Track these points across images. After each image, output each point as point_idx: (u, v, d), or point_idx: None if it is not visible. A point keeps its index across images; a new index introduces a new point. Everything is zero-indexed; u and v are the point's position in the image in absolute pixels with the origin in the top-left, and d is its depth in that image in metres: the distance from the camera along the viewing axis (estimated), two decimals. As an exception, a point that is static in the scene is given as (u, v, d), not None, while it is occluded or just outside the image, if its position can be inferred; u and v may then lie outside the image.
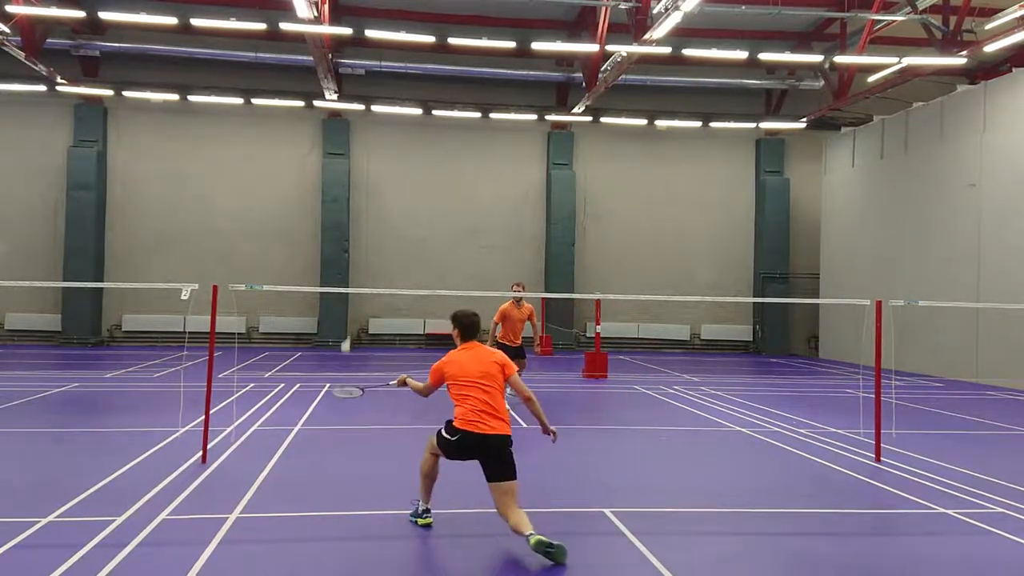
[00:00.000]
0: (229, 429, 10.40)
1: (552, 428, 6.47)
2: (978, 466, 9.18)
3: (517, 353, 12.96)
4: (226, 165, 26.46)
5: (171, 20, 19.93)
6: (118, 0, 21.28)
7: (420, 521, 6.52)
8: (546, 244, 27.46)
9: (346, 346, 9.57)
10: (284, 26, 19.85)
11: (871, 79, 22.53)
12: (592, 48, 21.17)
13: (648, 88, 26.65)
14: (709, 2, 17.62)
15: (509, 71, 25.75)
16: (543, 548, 5.64)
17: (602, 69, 21.82)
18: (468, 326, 6.49)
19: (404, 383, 6.82)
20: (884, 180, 23.56)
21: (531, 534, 5.71)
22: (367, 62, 25.05)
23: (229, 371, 16.52)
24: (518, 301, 12.63)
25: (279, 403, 13.18)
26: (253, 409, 12.33)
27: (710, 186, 28.51)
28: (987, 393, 17.13)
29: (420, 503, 6.59)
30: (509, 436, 6.15)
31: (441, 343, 26.72)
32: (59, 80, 22.88)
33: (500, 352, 6.55)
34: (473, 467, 6.99)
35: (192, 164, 26.26)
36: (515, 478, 6.09)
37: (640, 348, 27.60)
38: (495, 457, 6.07)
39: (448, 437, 6.21)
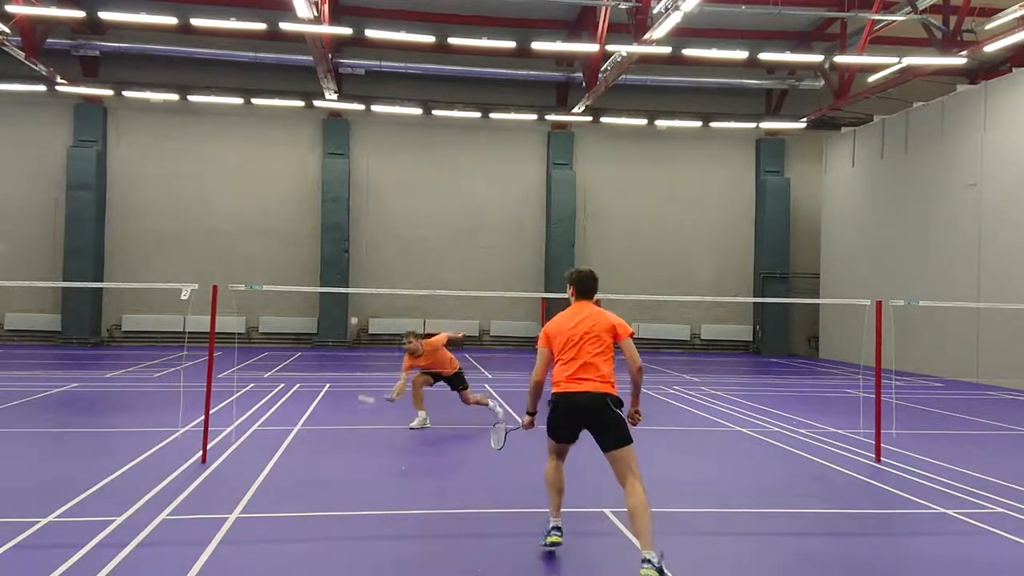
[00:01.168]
0: (229, 429, 10.39)
1: (639, 411, 6.01)
2: (978, 466, 9.18)
3: (455, 380, 11.44)
4: (226, 165, 26.46)
5: (171, 20, 19.92)
6: (118, 0, 21.29)
7: (548, 539, 5.85)
8: (546, 244, 27.45)
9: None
10: (284, 26, 19.84)
11: (871, 79, 22.53)
12: (592, 48, 21.16)
13: (648, 88, 26.64)
14: (709, 2, 17.63)
15: (509, 71, 25.75)
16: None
17: (602, 69, 21.82)
18: (580, 280, 6.01)
19: (531, 419, 6.13)
20: (884, 180, 23.56)
21: (646, 559, 5.03)
22: (367, 62, 25.06)
23: (229, 371, 16.52)
24: (413, 353, 11.08)
25: (279, 403, 13.18)
26: (253, 409, 12.33)
27: (710, 186, 28.51)
28: (987, 393, 17.13)
29: (550, 519, 5.94)
30: (607, 395, 5.58)
31: (441, 343, 26.70)
32: (59, 80, 22.87)
33: (614, 315, 5.95)
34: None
35: (192, 164, 26.26)
36: (624, 444, 5.53)
37: (640, 348, 27.31)
38: (593, 420, 5.58)
39: (549, 407, 5.76)
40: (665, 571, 5.08)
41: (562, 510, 6.03)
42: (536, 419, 6.12)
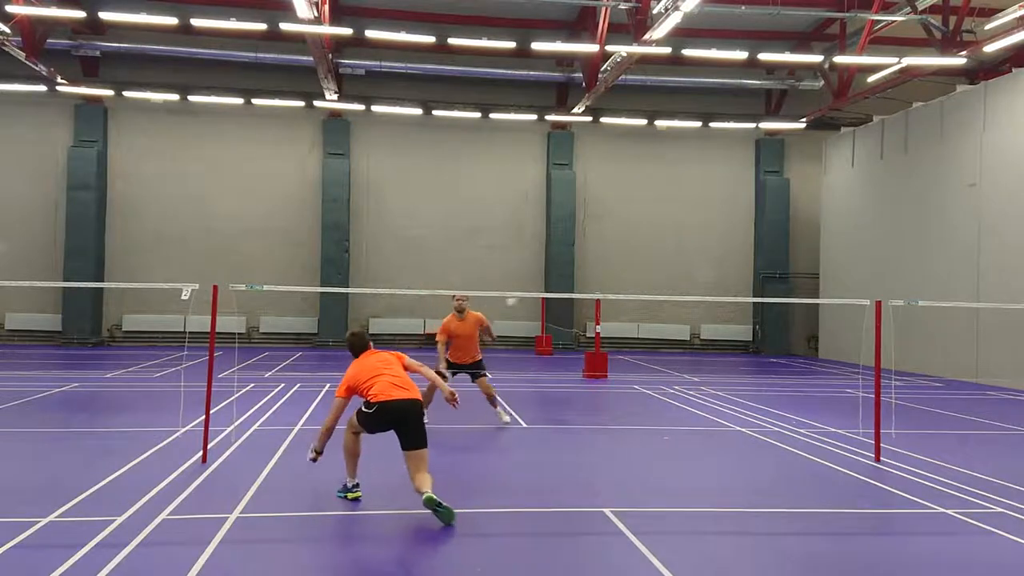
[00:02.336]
0: (229, 429, 10.39)
1: (448, 392, 7.34)
2: (978, 466, 9.18)
3: (476, 368, 11.76)
4: (226, 165, 26.46)
5: (171, 20, 19.93)
6: (118, 0, 21.29)
7: (350, 495, 7.15)
8: (546, 244, 27.45)
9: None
10: (284, 26, 19.85)
11: (871, 79, 22.52)
12: (592, 48, 21.16)
13: (648, 88, 26.64)
14: (709, 2, 17.61)
15: (509, 71, 25.76)
16: (432, 506, 6.38)
17: (602, 69, 21.82)
18: (353, 344, 7.41)
19: (323, 441, 7.40)
20: (884, 180, 23.56)
21: (424, 492, 6.46)
22: (367, 62, 25.07)
23: (229, 371, 16.52)
24: (460, 312, 11.35)
25: (279, 403, 13.18)
26: (253, 409, 12.33)
27: (710, 186, 28.51)
28: (987, 393, 17.13)
29: (348, 480, 7.23)
30: (419, 400, 6.94)
31: (441, 343, 26.71)
32: (59, 80, 22.88)
33: (391, 352, 7.41)
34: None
35: (192, 164, 26.27)
36: (426, 446, 6.81)
37: (640, 348, 27.59)
38: (410, 423, 6.80)
39: (367, 411, 6.91)
40: (440, 500, 6.38)
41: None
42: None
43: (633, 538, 6.27)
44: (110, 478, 7.77)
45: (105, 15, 20.20)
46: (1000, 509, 7.34)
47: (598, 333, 19.83)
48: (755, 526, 6.89)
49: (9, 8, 18.81)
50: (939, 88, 22.55)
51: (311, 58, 20.89)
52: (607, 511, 6.99)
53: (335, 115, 26.64)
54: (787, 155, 28.65)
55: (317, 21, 17.64)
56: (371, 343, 7.55)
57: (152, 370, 18.07)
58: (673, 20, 16.56)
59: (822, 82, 25.55)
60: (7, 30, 18.39)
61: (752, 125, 27.47)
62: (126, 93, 24.63)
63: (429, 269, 26.80)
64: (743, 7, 19.58)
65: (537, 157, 27.90)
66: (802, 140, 28.42)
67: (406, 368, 7.34)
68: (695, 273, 27.92)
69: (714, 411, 13.38)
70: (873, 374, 9.85)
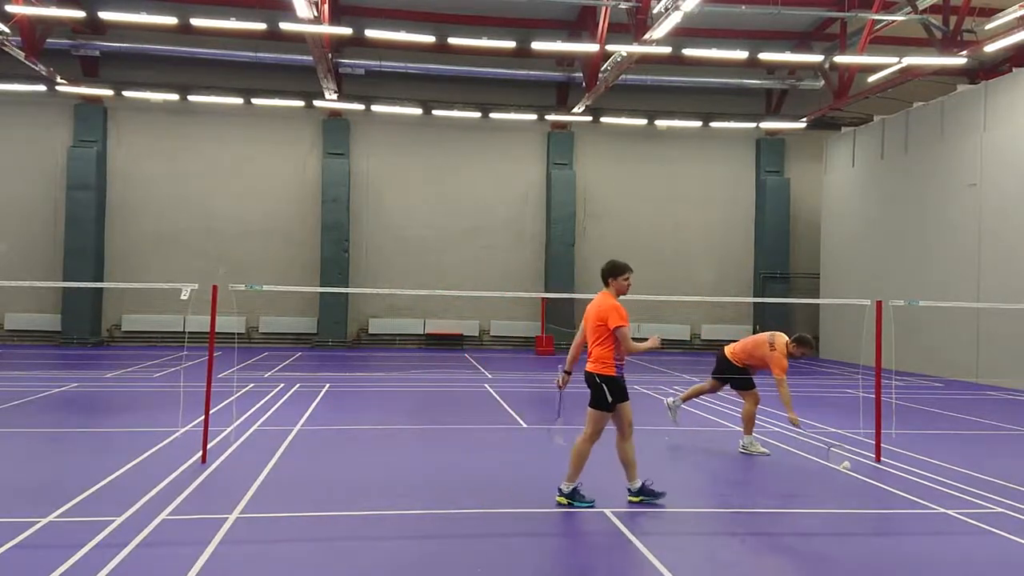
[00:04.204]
0: (229, 429, 10.39)
1: (650, 342, 7.51)
2: (978, 466, 9.18)
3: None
4: (226, 165, 26.45)
5: (171, 20, 19.92)
6: (118, 0, 21.29)
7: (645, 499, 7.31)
8: (546, 244, 27.45)
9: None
10: (284, 26, 19.83)
11: (871, 79, 22.52)
12: (592, 48, 21.17)
13: (648, 88, 26.64)
14: (709, 2, 17.61)
15: (509, 71, 25.74)
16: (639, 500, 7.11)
17: (602, 69, 21.83)
18: (601, 272, 7.39)
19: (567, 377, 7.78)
20: (884, 180, 23.56)
21: (629, 487, 7.22)
22: (367, 62, 25.06)
23: (229, 371, 16.52)
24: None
25: (279, 403, 13.18)
26: (253, 409, 12.32)
27: (710, 186, 28.51)
28: (987, 393, 17.13)
29: (632, 485, 7.39)
30: (594, 374, 7.24)
31: (441, 343, 26.74)
32: (59, 80, 22.87)
33: (610, 304, 7.19)
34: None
35: (192, 164, 26.26)
36: (596, 408, 7.31)
37: (640, 348, 27.53)
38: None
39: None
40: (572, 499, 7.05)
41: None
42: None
43: (633, 538, 6.27)
44: (110, 478, 7.76)
45: (105, 15, 20.19)
46: (1000, 509, 7.34)
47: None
48: (755, 526, 6.89)
49: (9, 8, 18.80)
50: (939, 88, 22.55)
51: (311, 58, 20.89)
52: (607, 511, 6.99)
53: (335, 115, 26.64)
54: (787, 155, 28.65)
55: (317, 21, 17.63)
56: (611, 281, 7.31)
57: (152, 370, 18.07)
58: (673, 20, 16.56)
59: (822, 82, 25.54)
60: (7, 30, 18.38)
61: (752, 125, 27.46)
62: (126, 93, 24.63)
63: (429, 269, 26.80)
64: (743, 7, 19.59)
65: (537, 157, 27.90)
66: (802, 140, 28.42)
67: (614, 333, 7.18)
68: (695, 273, 27.92)
69: (714, 411, 13.38)
70: (873, 374, 9.85)
